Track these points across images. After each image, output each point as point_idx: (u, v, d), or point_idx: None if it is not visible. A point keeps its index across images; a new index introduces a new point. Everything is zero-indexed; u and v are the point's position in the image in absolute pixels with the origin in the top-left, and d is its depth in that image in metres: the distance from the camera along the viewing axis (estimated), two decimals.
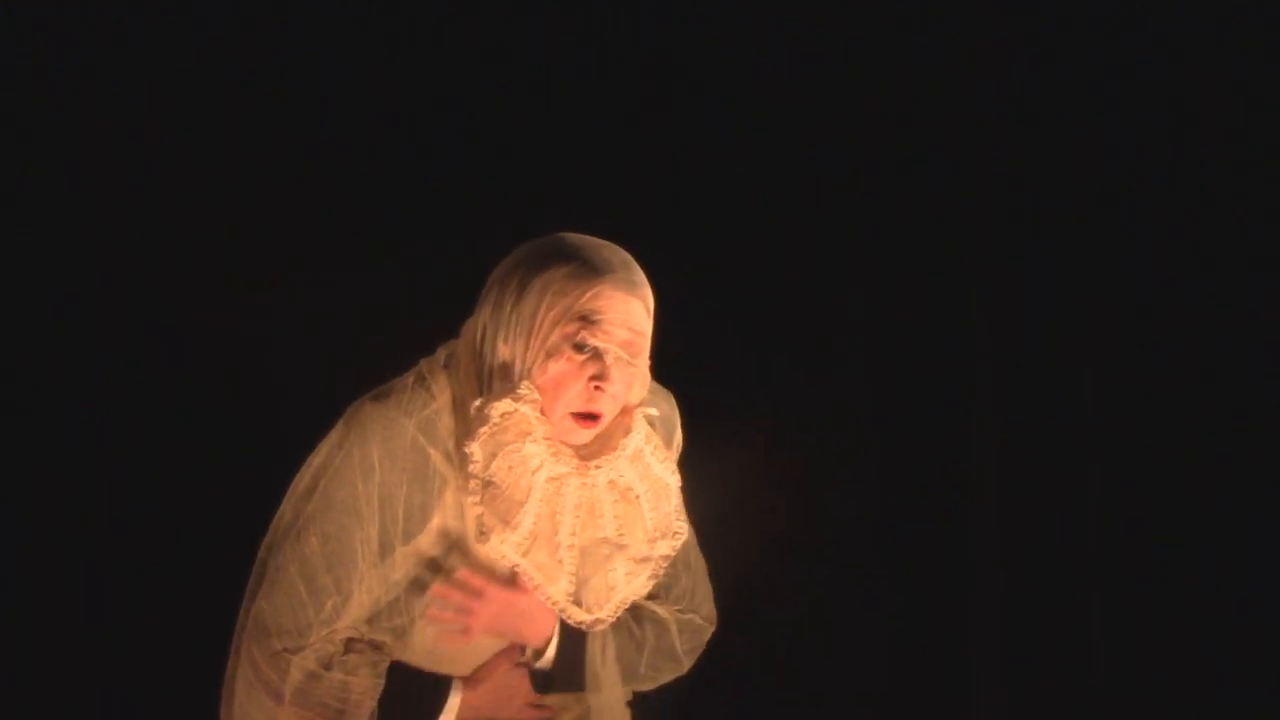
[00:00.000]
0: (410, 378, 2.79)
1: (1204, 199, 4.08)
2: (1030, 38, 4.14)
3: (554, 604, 2.75)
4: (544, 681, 2.83)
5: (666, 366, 3.06)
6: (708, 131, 4.20)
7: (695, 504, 3.05)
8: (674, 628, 2.93)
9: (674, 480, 2.80)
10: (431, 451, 2.73)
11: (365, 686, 2.73)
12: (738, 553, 3.25)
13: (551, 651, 2.83)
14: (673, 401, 2.90)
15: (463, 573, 2.77)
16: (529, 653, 2.84)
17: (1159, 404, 4.14)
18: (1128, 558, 4.17)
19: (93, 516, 4.02)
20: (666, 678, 2.95)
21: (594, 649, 2.83)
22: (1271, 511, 4.08)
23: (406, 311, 3.56)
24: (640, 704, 2.99)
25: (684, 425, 2.92)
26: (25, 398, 3.99)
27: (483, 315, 2.74)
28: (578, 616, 2.76)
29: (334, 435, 2.76)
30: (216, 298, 4.01)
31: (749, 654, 4.10)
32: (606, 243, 2.76)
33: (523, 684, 2.83)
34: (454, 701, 2.79)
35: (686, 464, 3.04)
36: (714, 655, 3.03)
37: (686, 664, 2.95)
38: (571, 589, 2.75)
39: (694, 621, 2.94)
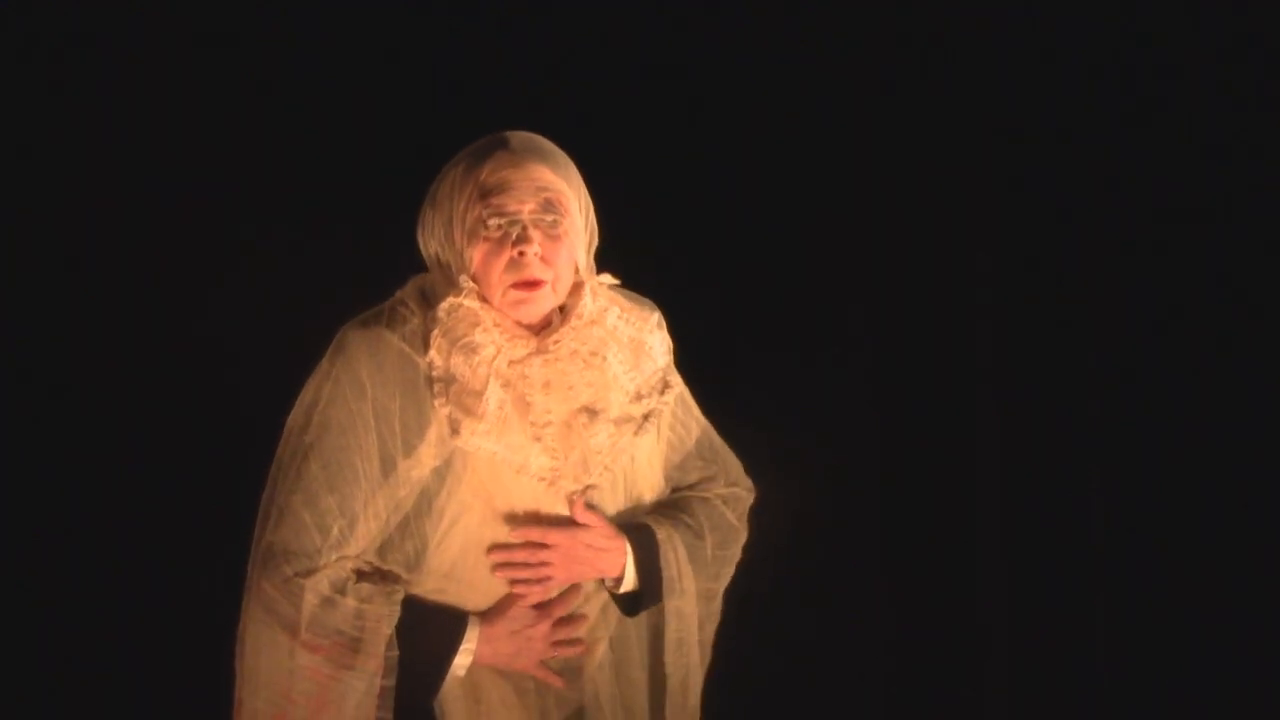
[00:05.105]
0: (388, 303, 2.84)
1: (1204, 199, 4.10)
2: (1030, 38, 4.16)
3: (540, 479, 2.79)
4: (632, 604, 2.88)
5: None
6: (709, 131, 4.21)
7: None
8: (718, 503, 2.98)
9: (653, 338, 2.86)
10: (419, 360, 2.77)
11: (381, 614, 2.72)
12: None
13: (631, 572, 2.86)
14: (657, 314, 2.93)
15: (520, 530, 2.81)
16: (608, 581, 2.87)
17: (1159, 404, 4.15)
18: (1129, 557, 4.18)
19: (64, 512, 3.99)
20: (735, 549, 3.00)
21: (667, 555, 2.87)
22: (1272, 511, 4.09)
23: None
24: None
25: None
26: None
27: (421, 232, 2.84)
28: (567, 487, 2.80)
29: (322, 366, 2.79)
30: (202, 289, 4.00)
31: (750, 656, 4.09)
32: (518, 131, 2.84)
33: (542, 625, 2.83)
34: (472, 634, 2.79)
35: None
36: (716, 656, 3.02)
37: (743, 530, 3.02)
38: (556, 463, 2.79)
39: (736, 493, 3.02)
